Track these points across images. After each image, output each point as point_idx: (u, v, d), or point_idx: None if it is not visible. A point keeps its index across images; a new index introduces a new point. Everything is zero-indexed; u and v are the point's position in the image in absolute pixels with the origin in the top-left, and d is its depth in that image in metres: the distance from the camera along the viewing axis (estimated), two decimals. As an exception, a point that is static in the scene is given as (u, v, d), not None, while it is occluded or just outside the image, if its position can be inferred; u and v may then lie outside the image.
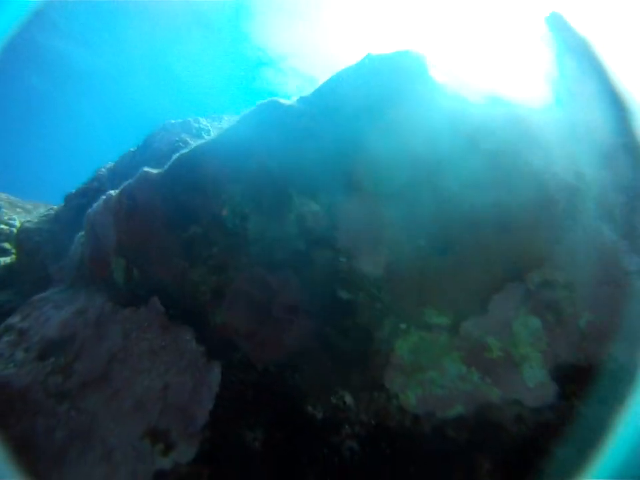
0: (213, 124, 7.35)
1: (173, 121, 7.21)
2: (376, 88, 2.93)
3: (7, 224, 7.29)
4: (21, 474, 3.07)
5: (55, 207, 7.09)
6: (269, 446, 3.09)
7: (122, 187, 3.62)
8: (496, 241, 2.68)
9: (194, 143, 6.18)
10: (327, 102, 3.07)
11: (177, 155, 3.39)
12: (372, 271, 2.92)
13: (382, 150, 2.85)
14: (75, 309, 3.72)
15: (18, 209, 8.37)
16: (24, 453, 3.14)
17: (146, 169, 3.50)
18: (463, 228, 2.73)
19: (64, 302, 3.91)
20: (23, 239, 5.74)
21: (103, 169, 7.29)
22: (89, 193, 6.74)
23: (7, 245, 6.60)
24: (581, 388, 2.56)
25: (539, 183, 2.65)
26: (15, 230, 6.91)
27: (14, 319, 4.06)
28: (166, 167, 3.45)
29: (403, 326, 2.85)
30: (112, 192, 3.69)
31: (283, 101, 3.12)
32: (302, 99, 3.12)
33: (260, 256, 3.17)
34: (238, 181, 3.21)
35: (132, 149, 7.28)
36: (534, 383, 2.61)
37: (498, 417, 2.68)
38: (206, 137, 6.63)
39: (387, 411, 2.89)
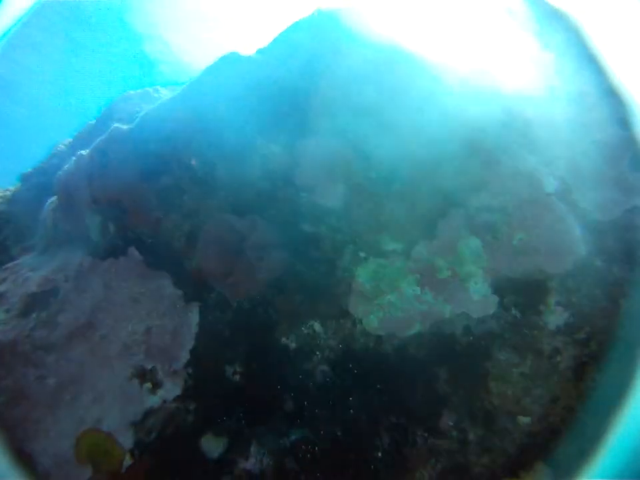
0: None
1: (132, 92, 7.04)
2: (321, 40, 3.19)
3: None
4: (18, 422, 3.25)
5: (12, 188, 6.76)
6: (248, 378, 3.36)
7: (93, 145, 3.72)
8: (439, 171, 2.99)
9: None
10: (282, 52, 3.29)
11: (145, 111, 3.52)
12: (330, 204, 3.19)
13: (332, 93, 3.11)
14: (53, 266, 3.83)
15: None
16: (18, 401, 3.31)
17: (116, 124, 3.61)
18: (409, 160, 3.03)
19: (40, 264, 4.00)
20: (-22, 223, 5.41)
21: (61, 145, 6.99)
22: (49, 170, 6.46)
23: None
24: (517, 298, 2.94)
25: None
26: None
27: (-10, 286, 4.12)
28: (135, 121, 3.57)
29: (361, 254, 3.15)
30: (83, 152, 3.78)
31: (243, 53, 3.30)
32: (260, 51, 3.32)
33: (229, 199, 3.39)
34: (204, 131, 3.39)
35: (91, 122, 7.03)
36: (478, 296, 2.96)
37: (450, 330, 3.03)
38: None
39: (352, 335, 3.20)
